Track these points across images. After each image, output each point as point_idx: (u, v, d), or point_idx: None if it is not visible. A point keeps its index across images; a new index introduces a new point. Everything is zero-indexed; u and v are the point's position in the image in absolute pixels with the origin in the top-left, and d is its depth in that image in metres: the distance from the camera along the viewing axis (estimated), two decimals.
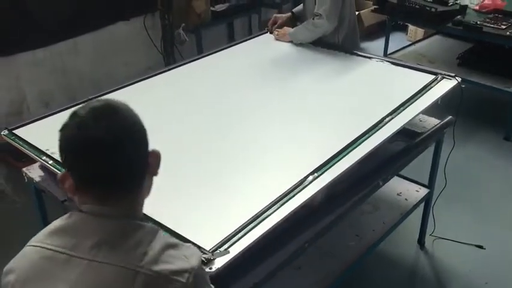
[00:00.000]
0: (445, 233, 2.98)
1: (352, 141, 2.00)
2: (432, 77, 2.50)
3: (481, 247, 2.93)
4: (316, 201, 1.85)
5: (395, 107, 2.23)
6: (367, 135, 2.04)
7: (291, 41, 3.01)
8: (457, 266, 2.83)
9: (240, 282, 1.59)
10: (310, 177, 1.79)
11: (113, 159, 1.03)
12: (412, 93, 2.34)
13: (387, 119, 2.15)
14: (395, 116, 2.18)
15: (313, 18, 2.87)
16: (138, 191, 1.11)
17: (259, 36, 3.19)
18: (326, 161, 1.88)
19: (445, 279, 2.77)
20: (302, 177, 1.79)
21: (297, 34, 2.98)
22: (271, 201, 1.67)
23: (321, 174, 1.81)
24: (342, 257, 2.27)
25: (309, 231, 1.83)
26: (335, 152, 1.93)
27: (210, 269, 1.41)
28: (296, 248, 1.78)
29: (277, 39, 3.08)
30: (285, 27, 3.09)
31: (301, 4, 3.15)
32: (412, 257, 2.92)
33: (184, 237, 1.52)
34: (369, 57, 2.81)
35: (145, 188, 1.13)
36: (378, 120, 2.14)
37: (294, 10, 3.22)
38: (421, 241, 2.96)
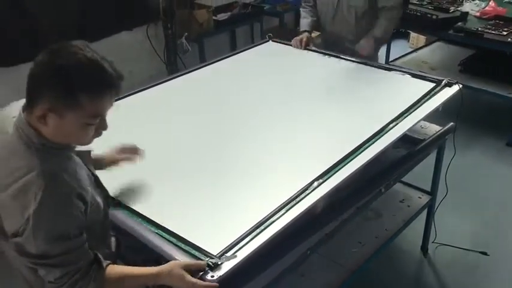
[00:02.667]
0: (449, 239, 2.98)
1: (357, 147, 2.01)
2: (435, 83, 2.51)
3: (485, 253, 2.92)
4: (318, 208, 1.86)
5: (398, 113, 2.24)
6: (370, 142, 2.05)
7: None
8: (460, 273, 2.82)
9: None
10: (315, 183, 1.80)
11: None
12: (415, 100, 2.35)
13: (391, 125, 2.16)
14: (398, 123, 2.19)
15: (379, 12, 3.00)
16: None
17: (262, 45, 3.21)
18: (330, 167, 1.89)
19: (449, 286, 2.76)
20: (306, 183, 1.80)
21: (384, 35, 3.07)
22: (276, 207, 1.68)
23: (325, 180, 1.82)
24: (345, 264, 2.27)
25: (312, 238, 1.84)
26: (339, 158, 1.94)
27: (212, 276, 1.42)
28: (299, 255, 1.79)
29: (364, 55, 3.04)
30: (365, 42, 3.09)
31: (307, 19, 3.21)
32: (416, 264, 2.91)
33: (191, 242, 1.54)
34: (372, 65, 2.83)
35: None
36: (382, 126, 2.15)
37: (307, 29, 3.20)
38: (424, 248, 2.96)
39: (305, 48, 3.07)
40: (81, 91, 1.24)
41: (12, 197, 1.26)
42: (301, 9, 3.32)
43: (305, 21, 3.23)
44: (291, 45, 3.14)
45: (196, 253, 1.50)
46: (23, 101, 1.34)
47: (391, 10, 3.03)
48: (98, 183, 1.51)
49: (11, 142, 1.31)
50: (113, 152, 1.77)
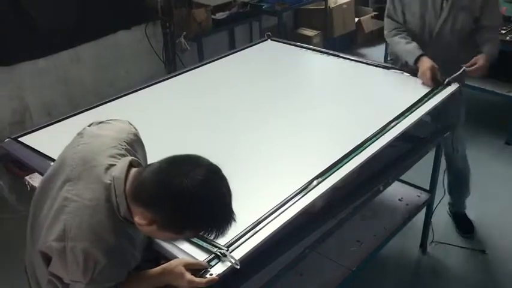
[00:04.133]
0: (447, 238, 2.99)
1: (357, 146, 2.00)
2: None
3: (483, 252, 2.93)
4: (316, 207, 1.86)
5: (399, 112, 2.23)
6: (371, 141, 2.04)
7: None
8: (459, 271, 2.83)
9: None
10: (315, 182, 1.80)
11: None
12: (418, 99, 2.34)
13: (392, 124, 2.15)
14: (400, 122, 2.18)
15: (482, 30, 2.61)
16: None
17: (260, 43, 3.20)
18: (330, 166, 1.89)
19: (448, 284, 2.76)
20: (306, 182, 1.79)
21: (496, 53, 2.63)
22: (275, 205, 1.68)
23: (325, 179, 1.82)
24: (343, 263, 2.27)
25: (309, 237, 1.84)
26: (339, 157, 1.93)
27: (211, 275, 1.43)
28: (297, 253, 1.79)
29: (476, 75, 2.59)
30: (483, 58, 2.53)
31: (410, 44, 2.61)
32: (415, 262, 2.92)
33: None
34: (371, 63, 2.82)
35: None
36: (383, 125, 2.14)
37: (423, 52, 2.55)
38: (423, 246, 2.96)
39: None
40: (191, 228, 1.25)
41: (72, 253, 1.26)
42: (394, 37, 2.70)
43: (411, 46, 2.60)
44: (289, 44, 3.13)
45: (204, 244, 1.51)
46: (115, 129, 1.40)
47: (497, 28, 2.77)
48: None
49: (98, 198, 1.29)
50: None
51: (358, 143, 2.02)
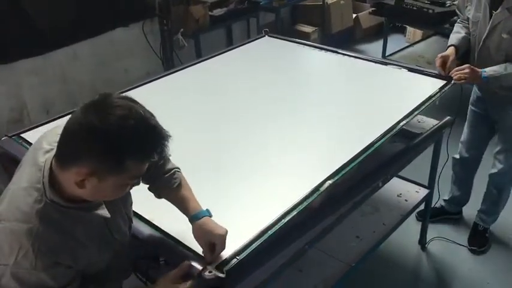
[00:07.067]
0: (447, 234, 2.99)
1: (368, 146, 2.00)
2: (445, 81, 2.47)
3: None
4: (315, 204, 1.85)
5: (409, 111, 2.22)
6: (381, 141, 2.03)
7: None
8: (458, 266, 2.83)
9: (241, 285, 1.58)
10: (327, 184, 1.80)
11: None
12: (427, 97, 2.32)
13: (402, 123, 2.14)
14: (409, 121, 2.17)
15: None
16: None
17: (258, 40, 3.19)
18: (342, 166, 1.88)
19: (447, 279, 2.77)
20: (311, 183, 1.80)
21: (501, 78, 2.41)
22: (289, 206, 1.69)
23: (337, 179, 1.82)
24: (342, 259, 2.27)
25: (309, 233, 1.83)
26: (351, 157, 1.93)
27: (210, 272, 1.43)
28: (296, 249, 1.79)
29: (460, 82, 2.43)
30: (469, 66, 2.43)
31: (458, 34, 2.64)
32: (414, 258, 2.92)
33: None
34: (373, 60, 2.81)
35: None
36: (393, 124, 2.13)
37: (455, 43, 2.60)
38: (422, 242, 2.96)
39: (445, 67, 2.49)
40: (129, 158, 1.17)
41: (1, 232, 1.24)
42: (455, 24, 2.75)
43: (454, 36, 2.65)
44: (287, 40, 3.12)
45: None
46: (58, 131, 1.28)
47: None
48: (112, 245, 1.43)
49: (31, 180, 1.26)
50: None
51: (363, 141, 2.01)
